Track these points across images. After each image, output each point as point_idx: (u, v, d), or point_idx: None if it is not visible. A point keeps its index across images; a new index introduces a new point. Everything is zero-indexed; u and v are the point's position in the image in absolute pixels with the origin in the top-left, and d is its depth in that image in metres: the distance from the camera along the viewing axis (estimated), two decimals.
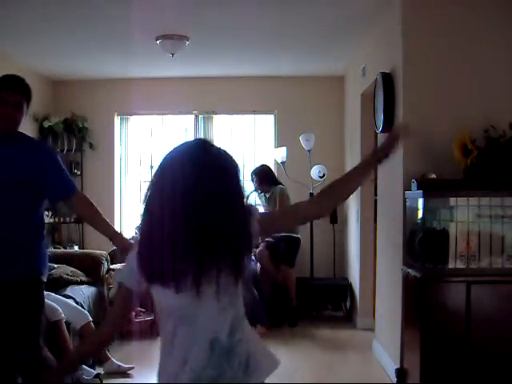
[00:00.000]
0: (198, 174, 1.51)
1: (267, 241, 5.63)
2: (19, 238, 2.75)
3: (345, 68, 6.10)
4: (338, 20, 4.43)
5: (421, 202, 3.30)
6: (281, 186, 5.84)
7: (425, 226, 3.27)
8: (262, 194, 5.89)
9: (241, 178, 1.60)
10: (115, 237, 2.85)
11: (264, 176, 5.91)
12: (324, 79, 6.48)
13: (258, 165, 6.18)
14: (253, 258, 5.76)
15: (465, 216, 3.21)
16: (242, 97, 6.60)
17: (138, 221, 6.66)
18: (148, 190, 1.56)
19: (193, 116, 6.80)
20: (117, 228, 6.77)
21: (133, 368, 4.14)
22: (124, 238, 2.89)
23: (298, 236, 5.71)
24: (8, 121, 2.69)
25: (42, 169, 2.76)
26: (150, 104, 6.60)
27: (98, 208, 2.91)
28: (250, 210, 1.61)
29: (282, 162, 6.12)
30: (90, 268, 4.95)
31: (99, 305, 4.83)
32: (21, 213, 2.76)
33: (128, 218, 6.91)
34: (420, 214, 3.34)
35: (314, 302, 5.91)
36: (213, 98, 6.61)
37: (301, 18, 4.39)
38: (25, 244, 2.77)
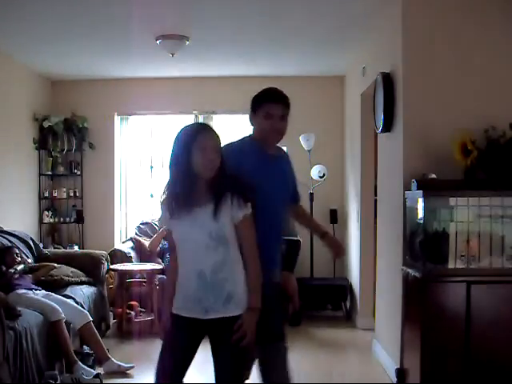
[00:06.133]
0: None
1: None
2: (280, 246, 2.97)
3: (345, 68, 6.10)
4: (338, 20, 4.44)
5: (421, 201, 3.30)
6: None
7: (425, 226, 3.27)
8: None
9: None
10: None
11: None
12: (324, 79, 6.48)
13: None
14: None
15: (465, 216, 3.21)
16: (242, 97, 6.54)
17: (138, 221, 6.67)
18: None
19: (193, 116, 6.79)
20: (117, 228, 6.80)
21: (133, 367, 4.14)
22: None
23: (299, 239, 5.63)
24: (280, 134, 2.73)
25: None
26: (150, 104, 6.60)
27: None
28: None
29: None
30: (90, 268, 4.96)
31: (99, 305, 4.84)
32: (283, 220, 2.88)
33: (128, 218, 6.91)
34: (420, 214, 3.33)
35: (314, 302, 5.91)
36: (213, 98, 6.61)
37: (301, 18, 4.39)
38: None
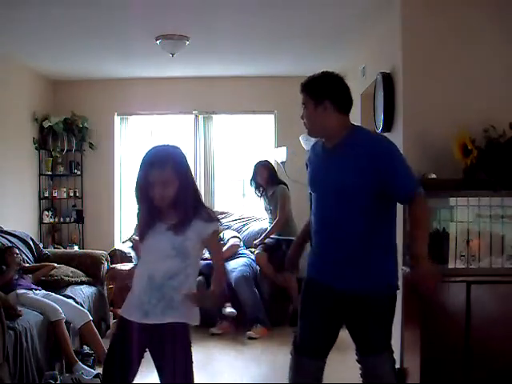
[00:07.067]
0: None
1: (265, 243, 5.60)
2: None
3: (345, 68, 6.09)
4: (338, 20, 4.44)
5: None
6: (283, 185, 5.69)
7: None
8: (264, 194, 5.80)
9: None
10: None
11: (271, 170, 5.74)
12: None
13: (260, 160, 5.90)
14: (253, 258, 5.75)
15: (465, 216, 3.21)
16: (242, 97, 6.60)
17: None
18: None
19: (193, 116, 6.80)
20: (117, 228, 6.78)
21: None
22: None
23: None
24: (304, 124, 2.60)
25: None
26: (149, 104, 6.60)
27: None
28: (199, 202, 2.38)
29: (282, 162, 6.11)
30: (90, 268, 4.96)
31: (99, 305, 4.83)
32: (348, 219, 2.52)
33: (128, 217, 6.90)
34: None
35: None
36: (213, 98, 6.61)
37: (301, 18, 4.39)
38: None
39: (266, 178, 5.69)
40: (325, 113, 2.51)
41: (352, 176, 2.45)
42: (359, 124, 5.33)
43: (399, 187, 2.46)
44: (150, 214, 2.39)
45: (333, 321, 2.62)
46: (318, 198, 2.61)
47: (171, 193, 2.30)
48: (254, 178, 5.80)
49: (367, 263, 2.50)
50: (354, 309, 2.55)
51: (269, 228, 5.71)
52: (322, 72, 2.60)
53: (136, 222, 2.52)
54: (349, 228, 2.49)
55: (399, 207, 3.71)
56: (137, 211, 2.48)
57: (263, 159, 5.94)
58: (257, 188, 5.81)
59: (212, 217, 2.37)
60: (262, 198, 5.81)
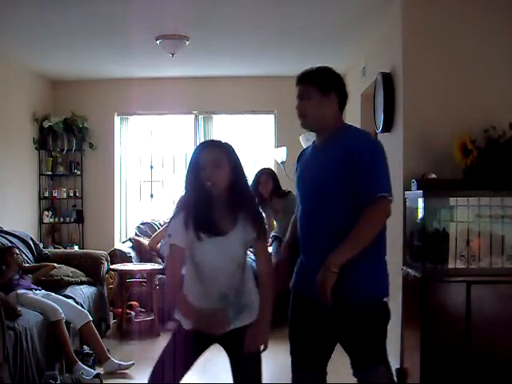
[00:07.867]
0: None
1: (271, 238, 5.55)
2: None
3: (345, 68, 6.09)
4: (338, 20, 4.44)
5: (421, 201, 3.29)
6: (293, 193, 4.86)
7: (425, 226, 3.26)
8: (267, 206, 5.03)
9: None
10: None
11: (275, 180, 5.17)
12: None
13: (262, 168, 5.34)
14: (253, 259, 5.70)
15: (465, 216, 3.21)
16: (242, 97, 6.60)
17: (138, 221, 6.67)
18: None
19: (193, 116, 6.80)
20: (117, 228, 6.78)
21: (133, 364, 4.13)
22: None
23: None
24: (300, 115, 2.47)
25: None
26: (150, 104, 6.60)
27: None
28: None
29: (282, 162, 6.11)
30: (90, 268, 4.96)
31: (99, 305, 4.84)
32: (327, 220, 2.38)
33: (128, 218, 6.91)
34: (420, 214, 3.33)
35: None
36: (213, 98, 6.61)
37: (301, 18, 4.39)
38: None
39: (271, 190, 5.13)
40: (328, 105, 2.43)
41: (327, 169, 2.34)
42: (359, 124, 5.36)
43: (363, 185, 2.26)
44: (205, 215, 2.22)
45: (323, 336, 2.50)
46: (300, 196, 2.51)
47: (221, 177, 2.22)
48: (255, 189, 5.05)
49: (347, 271, 2.23)
50: (340, 322, 2.39)
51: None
52: (324, 66, 2.50)
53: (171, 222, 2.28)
54: (327, 229, 2.33)
55: (399, 210, 3.73)
56: (184, 207, 2.24)
57: (265, 167, 5.41)
58: (259, 200, 5.02)
59: (261, 217, 2.34)
60: (268, 214, 4.86)
